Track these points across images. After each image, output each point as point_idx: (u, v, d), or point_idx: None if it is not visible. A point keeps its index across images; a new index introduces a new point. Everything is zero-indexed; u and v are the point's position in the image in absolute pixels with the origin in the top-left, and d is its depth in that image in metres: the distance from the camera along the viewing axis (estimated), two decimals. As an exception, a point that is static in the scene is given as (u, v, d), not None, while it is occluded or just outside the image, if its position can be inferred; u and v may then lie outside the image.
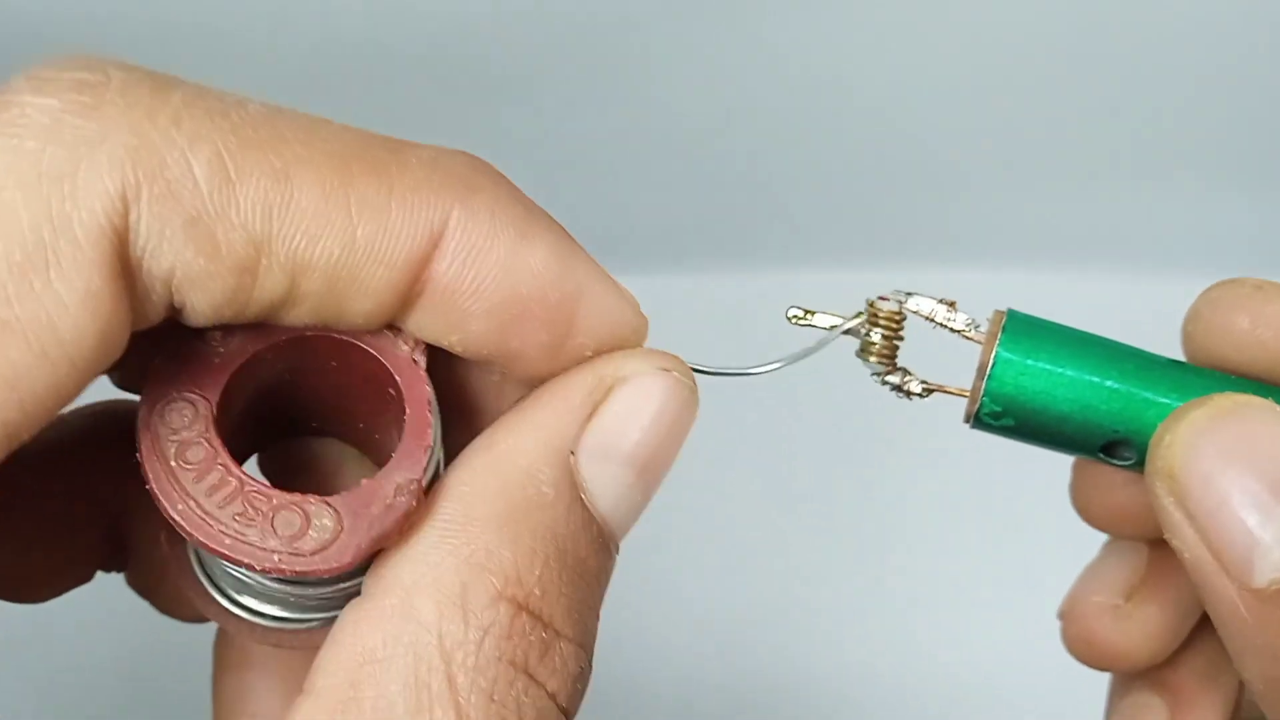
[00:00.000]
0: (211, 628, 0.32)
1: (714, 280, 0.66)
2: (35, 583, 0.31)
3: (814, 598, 0.62)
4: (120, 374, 0.27)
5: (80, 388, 0.22)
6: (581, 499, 0.25)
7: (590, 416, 0.25)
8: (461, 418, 0.28)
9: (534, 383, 0.27)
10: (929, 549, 0.63)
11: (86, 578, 0.32)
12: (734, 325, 0.58)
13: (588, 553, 0.25)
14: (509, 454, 0.25)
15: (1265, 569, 0.25)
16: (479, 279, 0.24)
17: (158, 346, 0.25)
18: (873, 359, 0.32)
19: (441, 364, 0.27)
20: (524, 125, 0.60)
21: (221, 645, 0.33)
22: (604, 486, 0.25)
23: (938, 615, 0.61)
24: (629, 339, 0.26)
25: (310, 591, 0.27)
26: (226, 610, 0.28)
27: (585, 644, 0.25)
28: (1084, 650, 0.35)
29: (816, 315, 0.32)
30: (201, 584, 0.28)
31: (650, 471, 0.26)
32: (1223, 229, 0.63)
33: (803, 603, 0.62)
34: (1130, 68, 0.57)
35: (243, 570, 0.26)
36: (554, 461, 0.25)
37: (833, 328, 0.32)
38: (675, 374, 0.26)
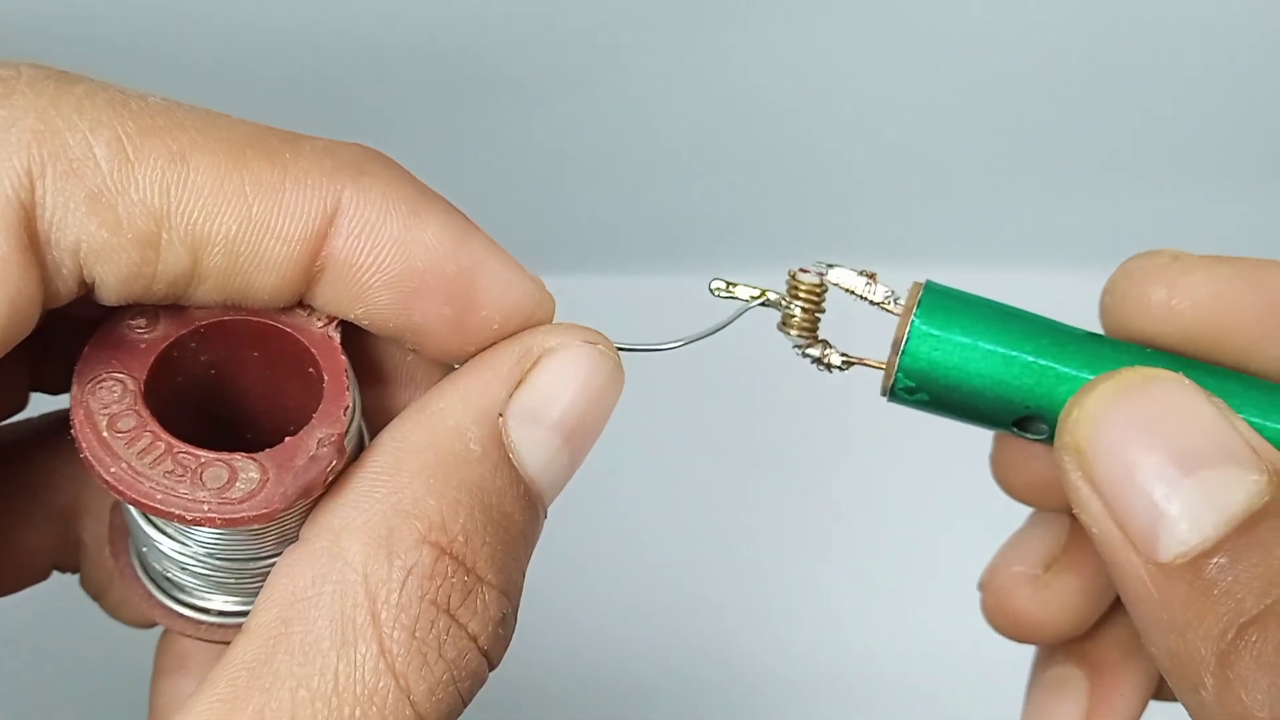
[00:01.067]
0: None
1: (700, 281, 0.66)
2: None
3: (743, 578, 0.63)
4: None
5: None
6: (509, 459, 0.26)
7: (519, 383, 0.27)
8: (381, 400, 0.30)
9: (447, 360, 0.28)
10: (865, 527, 0.63)
11: (43, 575, 0.33)
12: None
13: (514, 509, 0.26)
14: (438, 414, 0.26)
15: (1170, 543, 0.26)
16: (374, 253, 0.26)
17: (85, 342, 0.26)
18: (793, 331, 0.31)
19: (359, 347, 0.29)
20: (517, 128, 0.60)
21: (160, 652, 0.34)
22: (531, 449, 0.27)
23: (871, 594, 0.61)
24: (535, 313, 0.28)
25: (249, 566, 0.28)
26: (171, 610, 0.29)
27: (509, 593, 0.26)
28: (1002, 621, 0.35)
29: (739, 288, 0.32)
30: (146, 588, 0.30)
31: (577, 438, 0.27)
32: (1221, 229, 0.63)
33: (737, 585, 0.63)
34: (1129, 69, 0.57)
35: (182, 550, 0.27)
36: (481, 421, 0.26)
37: (752, 299, 0.31)
38: (600, 347, 0.27)
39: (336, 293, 0.26)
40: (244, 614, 0.28)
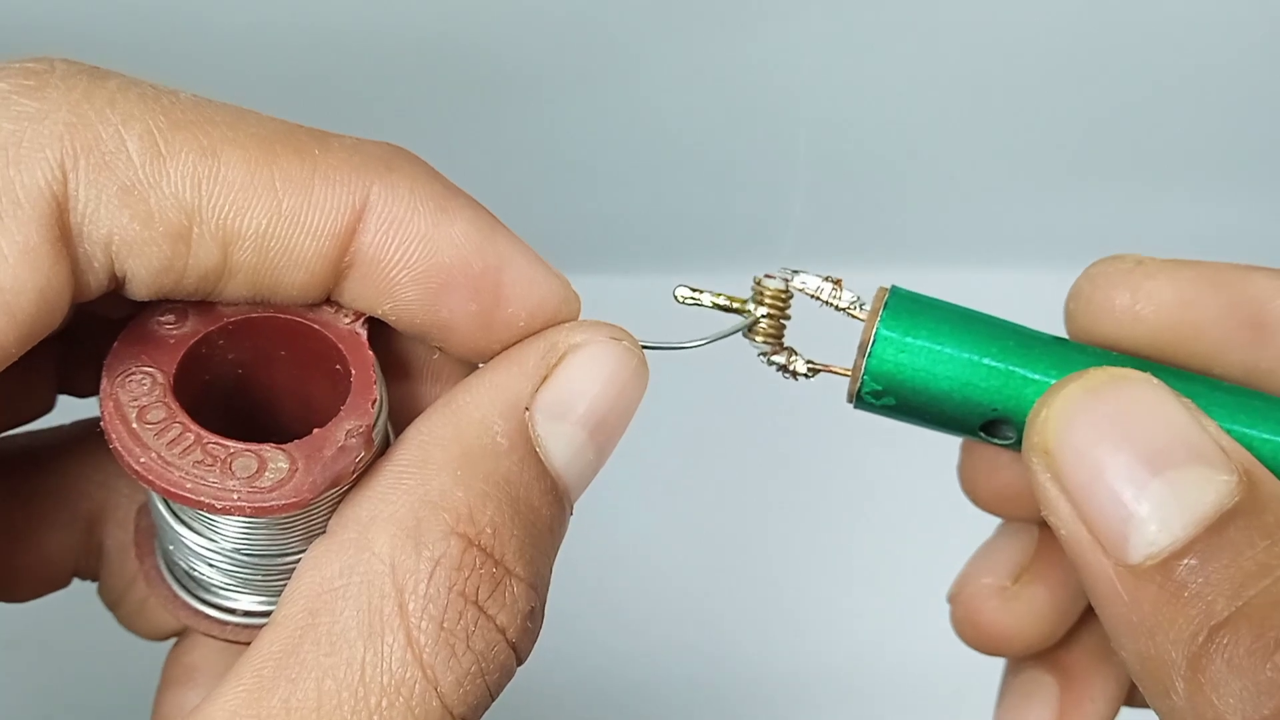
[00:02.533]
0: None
1: (713, 281, 0.66)
2: (13, 581, 0.32)
3: (744, 582, 0.62)
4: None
5: (21, 343, 0.24)
6: (536, 453, 0.26)
7: (545, 378, 0.27)
8: (408, 398, 0.30)
9: (473, 358, 0.28)
10: (866, 530, 0.63)
11: (64, 582, 0.33)
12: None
13: (541, 503, 0.26)
14: (465, 407, 0.26)
15: (1140, 544, 0.25)
16: (402, 249, 0.26)
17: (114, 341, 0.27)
18: (759, 338, 0.31)
19: (387, 345, 0.29)
20: (525, 128, 0.60)
21: (169, 664, 0.34)
22: (557, 443, 0.27)
23: (872, 596, 0.61)
24: (561, 310, 0.28)
25: (276, 562, 0.28)
26: (197, 610, 0.29)
27: (537, 586, 0.26)
28: (971, 633, 0.34)
29: (704, 294, 0.31)
30: (171, 588, 0.30)
31: (602, 433, 0.27)
32: (1219, 230, 0.64)
33: (738, 589, 0.62)
34: (1128, 70, 0.58)
35: (210, 545, 0.28)
36: (508, 415, 0.26)
37: (715, 305, 0.31)
38: (625, 343, 0.28)
39: (364, 288, 0.27)
40: (269, 614, 0.28)
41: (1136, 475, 0.25)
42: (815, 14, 0.55)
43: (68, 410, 0.32)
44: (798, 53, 0.57)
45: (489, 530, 0.25)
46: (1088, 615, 0.35)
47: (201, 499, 0.25)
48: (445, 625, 0.24)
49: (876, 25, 0.56)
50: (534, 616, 0.26)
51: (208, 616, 0.29)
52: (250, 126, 0.25)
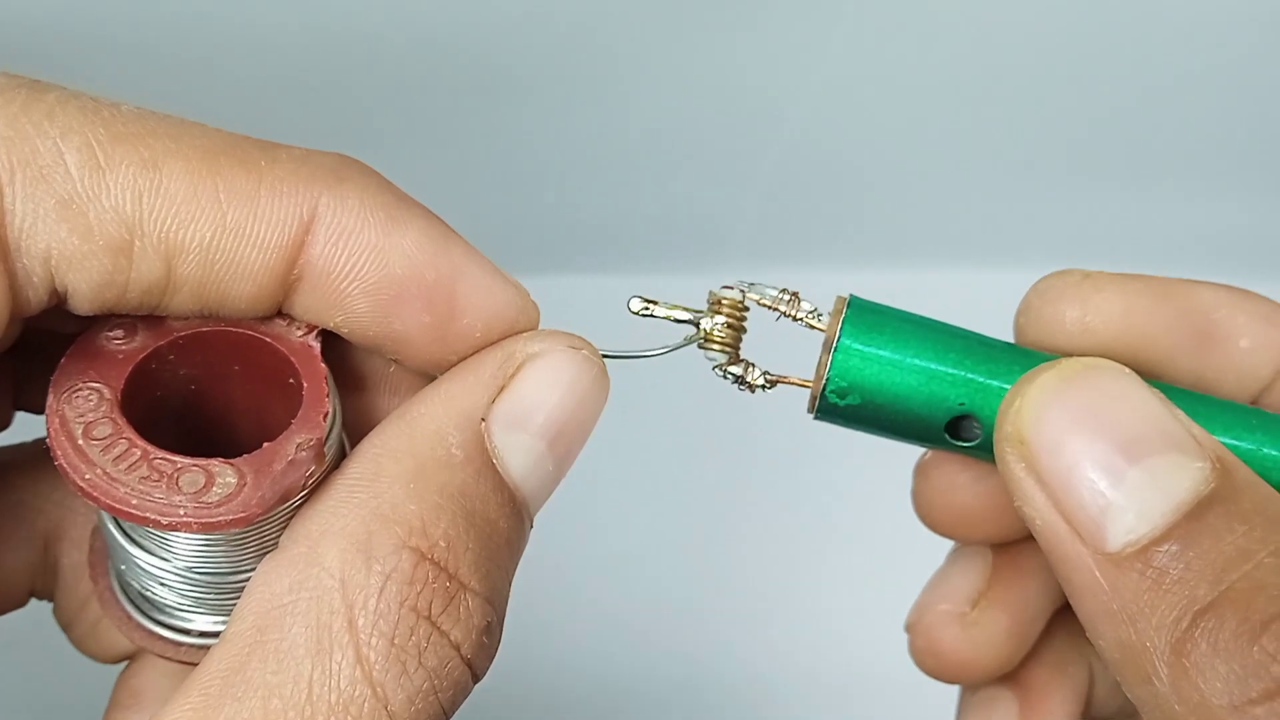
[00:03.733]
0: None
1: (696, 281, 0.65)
2: None
3: (726, 585, 0.62)
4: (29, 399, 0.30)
5: None
6: (493, 465, 0.26)
7: (502, 388, 0.26)
8: (364, 412, 0.29)
9: (429, 370, 0.27)
10: (849, 533, 0.62)
11: (21, 601, 0.33)
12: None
13: (498, 515, 0.25)
14: (419, 419, 0.26)
15: (1118, 532, 0.25)
16: (352, 260, 0.26)
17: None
18: (715, 349, 0.31)
19: (342, 358, 0.28)
20: (514, 128, 0.59)
21: (117, 688, 0.33)
22: (515, 454, 0.26)
23: (855, 599, 0.60)
24: (518, 319, 0.27)
25: (229, 580, 0.27)
26: (151, 632, 0.29)
27: (493, 601, 0.25)
28: (932, 663, 0.34)
29: (658, 306, 0.31)
30: (125, 610, 0.29)
31: (562, 444, 0.27)
32: (1222, 230, 0.65)
33: (721, 592, 0.62)
34: (1125, 71, 0.59)
35: (162, 565, 0.27)
36: (463, 425, 0.26)
37: (668, 317, 0.30)
38: (584, 353, 0.27)
39: (315, 301, 0.26)
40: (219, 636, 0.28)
41: (1113, 464, 0.25)
42: (791, 18, 0.56)
43: (24, 427, 0.31)
44: (768, 56, 0.58)
45: (443, 544, 0.24)
46: (1045, 631, 0.34)
47: (147, 515, 0.24)
48: (396, 641, 0.23)
49: (882, 24, 0.56)
50: (490, 632, 0.25)
51: (162, 638, 0.28)
52: (194, 138, 0.25)
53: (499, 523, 0.25)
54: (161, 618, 0.28)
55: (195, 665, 0.26)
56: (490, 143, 0.60)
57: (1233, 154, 0.62)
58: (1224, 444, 0.27)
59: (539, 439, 0.26)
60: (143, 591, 0.28)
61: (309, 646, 0.23)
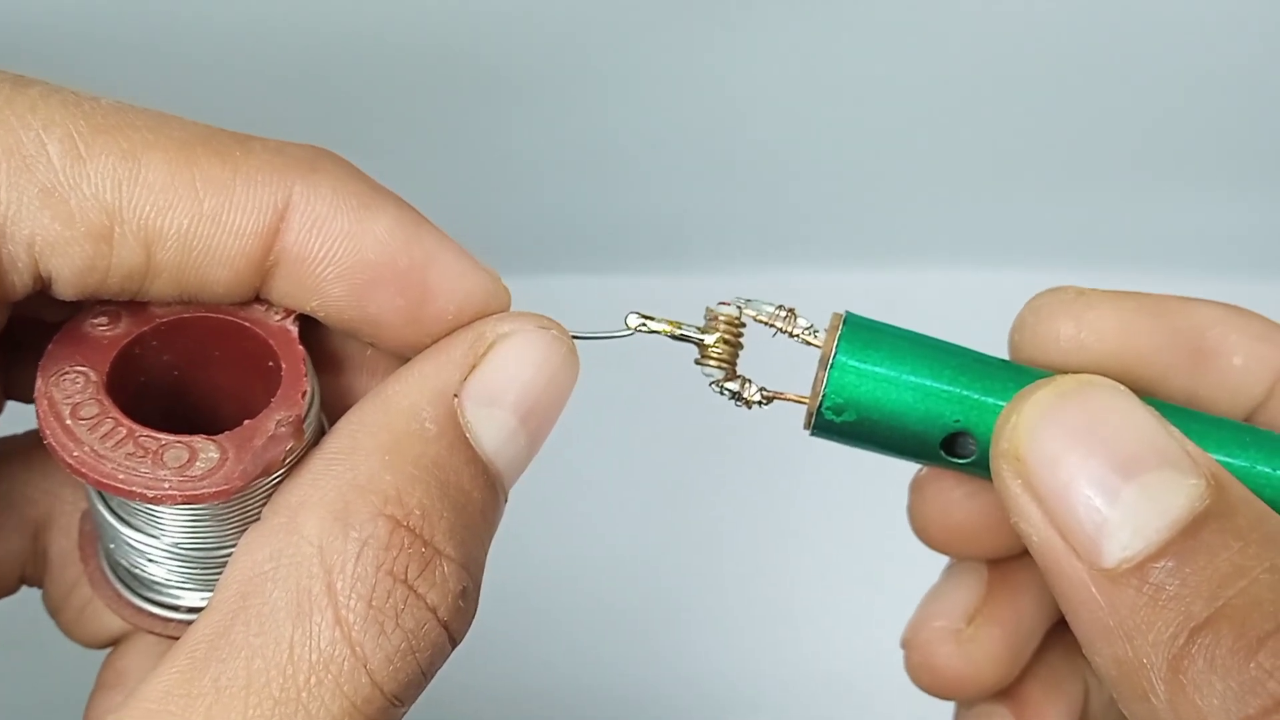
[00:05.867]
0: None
1: (693, 281, 0.65)
2: None
3: (709, 585, 0.62)
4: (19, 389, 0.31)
5: None
6: (465, 438, 0.27)
7: (474, 366, 0.27)
8: (342, 393, 0.31)
9: (404, 352, 0.29)
10: (834, 534, 0.62)
11: (12, 588, 0.34)
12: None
13: (471, 486, 0.27)
14: (394, 396, 0.27)
15: (1114, 548, 0.25)
16: (326, 246, 0.27)
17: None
18: (711, 364, 0.31)
19: (319, 342, 0.30)
20: (510, 129, 0.59)
21: (102, 669, 0.35)
22: (487, 429, 0.27)
23: (837, 603, 0.60)
24: (489, 303, 0.28)
25: (215, 554, 0.28)
26: (140, 609, 0.30)
27: (469, 568, 0.26)
28: (928, 678, 0.34)
29: (656, 322, 0.31)
30: (115, 589, 0.30)
31: (533, 419, 0.28)
32: (1222, 230, 0.65)
33: (702, 592, 0.61)
34: (1125, 71, 0.58)
35: (150, 542, 0.28)
36: (436, 401, 0.27)
37: (667, 333, 0.31)
38: (554, 332, 0.28)
39: (291, 286, 0.27)
40: None
41: (1108, 481, 0.25)
42: (791, 18, 0.55)
43: (14, 418, 0.32)
44: (767, 56, 0.57)
45: (417, 512, 0.25)
46: (1040, 647, 0.34)
47: (134, 489, 0.25)
48: (374, 604, 0.24)
49: (878, 24, 0.56)
50: (466, 596, 0.26)
51: (151, 614, 0.29)
52: (172, 130, 0.26)
53: (473, 494, 0.26)
54: (150, 594, 0.29)
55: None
56: (487, 144, 0.60)
57: (1234, 154, 0.62)
58: (1218, 461, 0.27)
59: (511, 414, 0.27)
60: (131, 569, 0.29)
61: (289, 610, 0.24)
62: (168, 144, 0.26)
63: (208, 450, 0.26)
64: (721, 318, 0.31)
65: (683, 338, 0.31)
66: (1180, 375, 0.31)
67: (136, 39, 0.52)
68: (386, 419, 0.26)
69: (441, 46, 0.55)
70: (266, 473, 0.26)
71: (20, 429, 0.33)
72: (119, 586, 0.30)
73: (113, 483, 0.25)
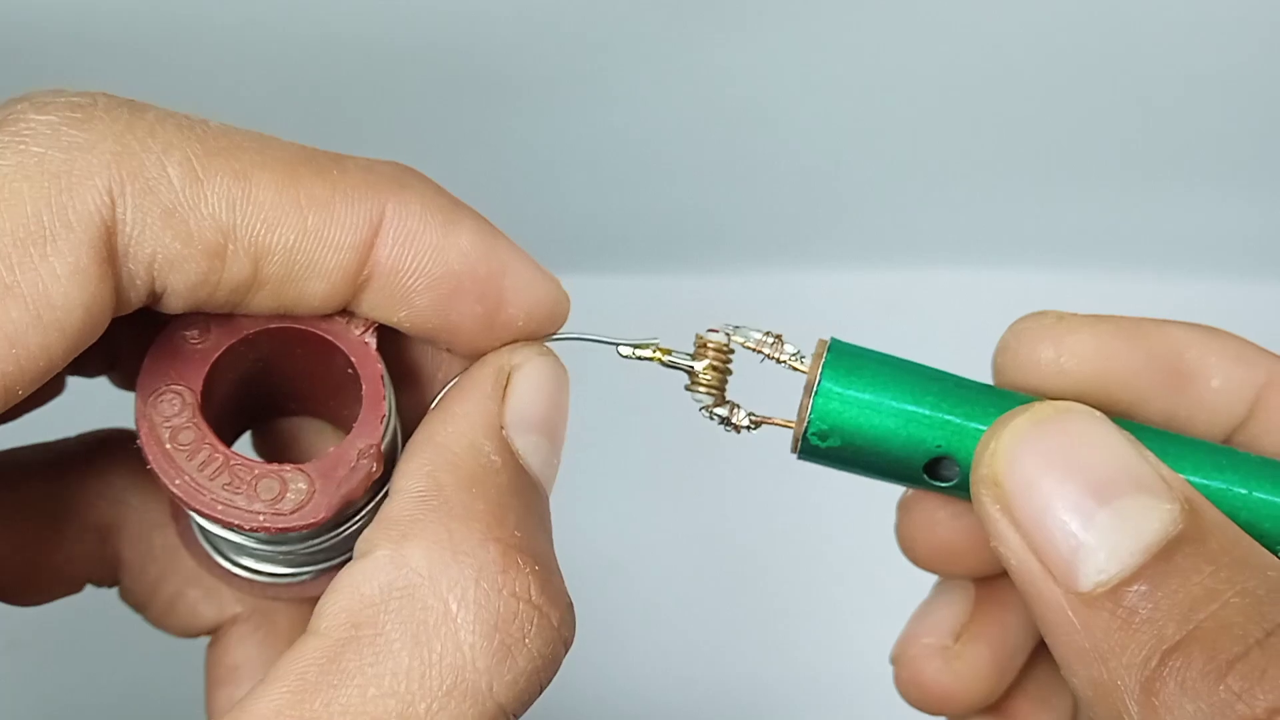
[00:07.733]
0: (202, 643, 0.37)
1: (694, 281, 0.66)
2: (26, 585, 0.34)
3: (718, 596, 0.62)
4: (119, 375, 0.33)
5: (67, 355, 0.25)
6: (521, 464, 0.29)
7: (504, 398, 0.29)
8: (413, 393, 0.33)
9: (477, 355, 0.30)
10: (844, 543, 0.62)
11: (76, 588, 0.35)
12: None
13: (540, 507, 0.29)
14: (453, 437, 0.28)
15: (1089, 572, 0.26)
16: (416, 259, 0.28)
17: (146, 348, 0.29)
18: (701, 391, 0.31)
19: (393, 345, 0.31)
20: (516, 130, 0.60)
21: (211, 665, 0.37)
22: (530, 452, 0.29)
23: (840, 615, 0.61)
24: (555, 309, 0.30)
25: (297, 548, 0.30)
26: (229, 572, 0.32)
27: (561, 579, 0.28)
28: (916, 694, 0.34)
29: (648, 350, 0.32)
30: (206, 551, 0.32)
31: (555, 434, 0.30)
32: (1222, 230, 0.65)
33: (713, 605, 0.62)
34: (1125, 71, 0.58)
35: (236, 533, 0.30)
36: (490, 435, 0.29)
37: (656, 360, 0.31)
38: (550, 357, 0.30)
39: (382, 298, 0.29)
40: (291, 575, 0.32)
41: (1084, 505, 0.26)
42: (792, 18, 0.56)
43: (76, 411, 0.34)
44: (767, 56, 0.58)
45: (518, 533, 0.27)
46: (1027, 661, 0.35)
47: (231, 520, 0.28)
48: (499, 627, 0.25)
49: (880, 23, 0.56)
50: (572, 608, 0.27)
51: (238, 577, 0.32)
52: (275, 151, 0.28)
53: (543, 514, 0.29)
54: (240, 559, 0.32)
55: (272, 599, 0.32)
56: (488, 144, 0.60)
57: (1234, 154, 0.62)
58: (1194, 484, 0.28)
59: (542, 435, 0.29)
60: (219, 549, 0.32)
61: (405, 640, 0.25)
62: (274, 164, 0.27)
63: (296, 481, 0.28)
64: (710, 345, 0.31)
65: (672, 365, 0.32)
66: (1159, 397, 0.31)
67: (138, 39, 0.52)
68: (455, 459, 0.28)
69: (440, 49, 0.55)
70: (348, 503, 0.28)
71: (72, 431, 0.34)
72: (210, 551, 0.32)
73: (211, 513, 0.27)
